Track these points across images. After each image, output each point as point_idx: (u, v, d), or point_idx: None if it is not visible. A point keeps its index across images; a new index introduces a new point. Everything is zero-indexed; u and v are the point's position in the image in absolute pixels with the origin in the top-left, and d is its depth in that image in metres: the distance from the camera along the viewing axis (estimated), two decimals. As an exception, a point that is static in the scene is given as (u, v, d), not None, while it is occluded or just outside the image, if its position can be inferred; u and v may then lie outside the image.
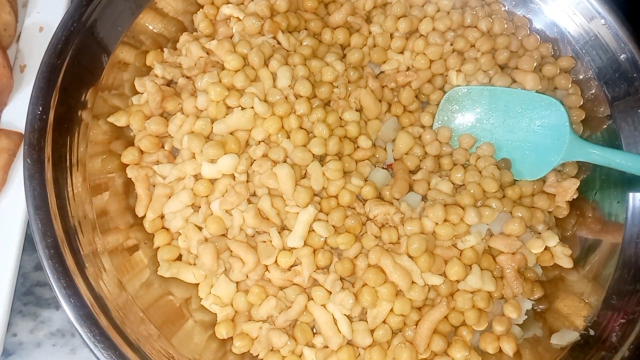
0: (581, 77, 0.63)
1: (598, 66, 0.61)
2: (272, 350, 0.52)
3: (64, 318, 0.58)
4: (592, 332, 0.53)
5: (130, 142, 0.58)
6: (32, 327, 0.57)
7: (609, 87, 0.60)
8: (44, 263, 0.47)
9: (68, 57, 0.53)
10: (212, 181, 0.55)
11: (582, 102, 0.62)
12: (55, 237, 0.48)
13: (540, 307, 0.58)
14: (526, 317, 0.56)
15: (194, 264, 0.55)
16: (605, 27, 0.60)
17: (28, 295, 0.58)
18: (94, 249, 0.51)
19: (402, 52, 0.64)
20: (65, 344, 0.57)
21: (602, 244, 0.58)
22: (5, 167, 0.57)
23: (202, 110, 0.57)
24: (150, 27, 0.60)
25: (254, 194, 0.55)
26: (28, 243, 0.58)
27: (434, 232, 0.54)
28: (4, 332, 0.54)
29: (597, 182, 0.60)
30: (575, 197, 0.60)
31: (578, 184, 0.59)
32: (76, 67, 0.53)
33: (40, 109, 0.50)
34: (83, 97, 0.54)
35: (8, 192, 0.57)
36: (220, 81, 0.56)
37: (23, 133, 0.50)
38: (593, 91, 0.62)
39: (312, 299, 0.52)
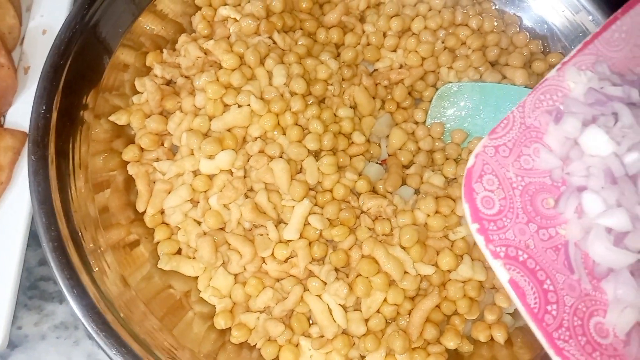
0: (570, 72, 0.64)
1: (586, 62, 0.63)
2: (269, 339, 0.54)
3: (68, 311, 0.60)
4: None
5: (130, 140, 0.60)
6: (36, 320, 0.59)
7: (597, 82, 0.62)
8: (47, 255, 0.48)
9: (71, 57, 0.55)
10: (210, 177, 0.56)
11: (571, 97, 0.64)
12: (59, 231, 0.49)
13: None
14: (517, 306, 0.57)
15: (193, 258, 0.56)
16: (593, 22, 0.62)
17: (33, 289, 0.60)
18: (97, 244, 0.53)
19: (395, 50, 0.65)
20: (69, 336, 0.59)
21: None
22: (11, 164, 0.59)
23: (200, 109, 0.59)
24: (150, 29, 0.62)
25: (251, 189, 0.56)
26: (32, 239, 0.59)
27: (425, 223, 0.55)
28: (9, 324, 0.56)
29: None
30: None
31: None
32: (79, 68, 0.55)
33: (44, 108, 0.52)
34: (85, 97, 0.56)
35: (13, 188, 0.59)
36: (217, 80, 0.58)
37: (27, 132, 0.52)
38: (582, 86, 0.63)
39: (308, 289, 0.53)
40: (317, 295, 0.53)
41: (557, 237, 0.40)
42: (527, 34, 0.66)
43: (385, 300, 0.53)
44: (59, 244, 0.49)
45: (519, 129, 0.43)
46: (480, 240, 0.39)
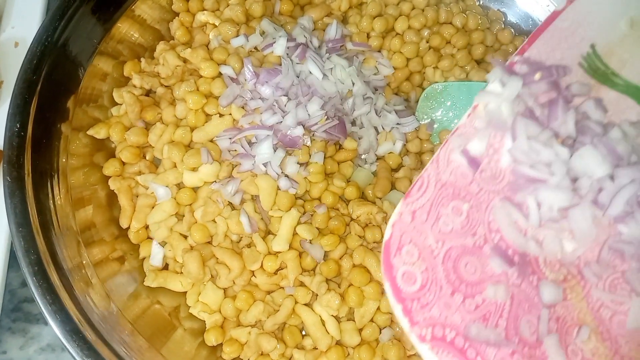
0: (557, 68, 0.64)
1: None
2: (261, 354, 0.53)
3: (54, 333, 0.57)
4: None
5: (111, 154, 0.58)
6: (22, 344, 0.57)
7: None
8: (28, 280, 0.47)
9: (44, 71, 0.53)
10: (195, 189, 0.55)
11: (558, 93, 0.63)
12: (39, 254, 0.48)
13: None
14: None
15: (181, 273, 0.55)
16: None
17: (16, 311, 0.58)
18: (79, 263, 0.51)
19: (379, 51, 0.64)
20: (56, 358, 0.57)
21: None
22: (-14, 185, 0.57)
23: (181, 119, 0.57)
24: (127, 37, 0.60)
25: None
26: (14, 260, 0.57)
27: (417, 229, 0.54)
28: (-7, 350, 0.54)
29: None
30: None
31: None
32: (53, 82, 0.53)
33: (18, 126, 0.50)
34: (62, 111, 0.54)
35: (-10, 209, 0.57)
36: (197, 89, 0.57)
37: (2, 150, 0.50)
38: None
39: (299, 301, 0.52)
40: (309, 307, 0.52)
41: (484, 305, 0.37)
42: (512, 30, 0.65)
43: (378, 309, 0.52)
44: (39, 268, 0.47)
45: (435, 188, 0.40)
46: (404, 323, 0.36)
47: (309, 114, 0.54)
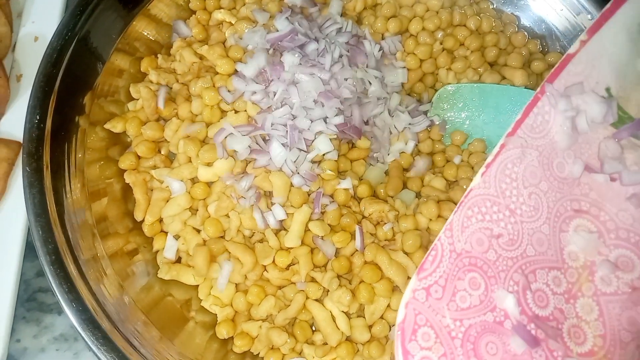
0: (569, 72, 0.64)
1: (585, 61, 0.62)
2: (272, 348, 0.53)
3: (67, 323, 0.59)
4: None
5: (127, 148, 0.59)
6: (35, 333, 0.58)
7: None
8: (45, 269, 0.47)
9: (64, 65, 0.54)
10: (209, 184, 0.56)
11: (571, 97, 0.63)
12: (56, 244, 0.49)
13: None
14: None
15: (193, 267, 0.56)
16: (591, 21, 0.61)
17: (31, 301, 0.59)
18: (95, 254, 0.52)
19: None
20: (69, 348, 0.58)
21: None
22: (5, 175, 0.58)
23: (197, 115, 0.58)
24: (144, 34, 0.61)
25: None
26: (29, 250, 0.58)
27: (428, 228, 0.55)
28: (7, 338, 0.55)
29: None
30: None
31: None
32: (72, 76, 0.54)
33: (38, 118, 0.51)
34: (79, 105, 0.55)
35: (8, 200, 0.58)
36: (213, 86, 0.57)
37: (21, 142, 0.51)
38: (581, 85, 0.63)
39: (310, 297, 0.53)
40: (320, 303, 0.53)
41: None
42: (526, 33, 0.65)
43: (388, 306, 0.52)
44: (57, 257, 0.48)
45: (449, 259, 0.38)
46: None
47: (325, 114, 0.55)
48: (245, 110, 0.57)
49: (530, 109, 0.45)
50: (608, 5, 0.46)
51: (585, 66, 0.45)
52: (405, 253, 0.53)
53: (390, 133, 0.61)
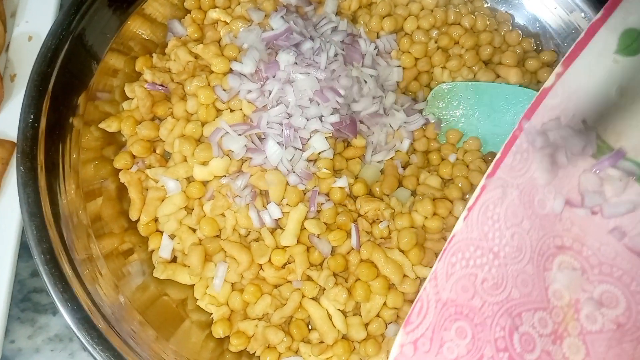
0: (563, 70, 0.64)
1: (579, 59, 0.63)
2: (268, 347, 0.53)
3: (62, 323, 0.58)
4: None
5: (122, 147, 0.59)
6: (30, 333, 0.58)
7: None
8: (40, 269, 0.47)
9: (58, 65, 0.53)
10: (204, 183, 0.56)
11: (565, 95, 0.64)
12: (51, 243, 0.48)
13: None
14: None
15: (189, 266, 0.55)
16: (585, 20, 0.62)
17: (25, 301, 0.59)
18: (89, 254, 0.52)
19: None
20: (64, 348, 0.58)
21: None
22: (-1, 175, 0.58)
23: (192, 114, 0.58)
24: (139, 33, 0.61)
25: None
26: (23, 250, 0.58)
27: (423, 225, 0.55)
28: (2, 338, 0.55)
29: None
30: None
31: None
32: (66, 75, 0.54)
33: (32, 117, 0.51)
34: (74, 104, 0.55)
35: (2, 200, 0.58)
36: (209, 85, 0.57)
37: (16, 141, 0.51)
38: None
39: (306, 295, 0.53)
40: (316, 301, 0.53)
41: None
42: (520, 32, 0.65)
43: (384, 304, 0.52)
44: (51, 257, 0.48)
45: (435, 310, 0.38)
46: None
47: (320, 112, 0.55)
48: (241, 109, 0.57)
49: (509, 148, 0.45)
50: (582, 35, 0.46)
51: (561, 99, 0.44)
52: (401, 251, 0.53)
53: (386, 132, 0.61)
